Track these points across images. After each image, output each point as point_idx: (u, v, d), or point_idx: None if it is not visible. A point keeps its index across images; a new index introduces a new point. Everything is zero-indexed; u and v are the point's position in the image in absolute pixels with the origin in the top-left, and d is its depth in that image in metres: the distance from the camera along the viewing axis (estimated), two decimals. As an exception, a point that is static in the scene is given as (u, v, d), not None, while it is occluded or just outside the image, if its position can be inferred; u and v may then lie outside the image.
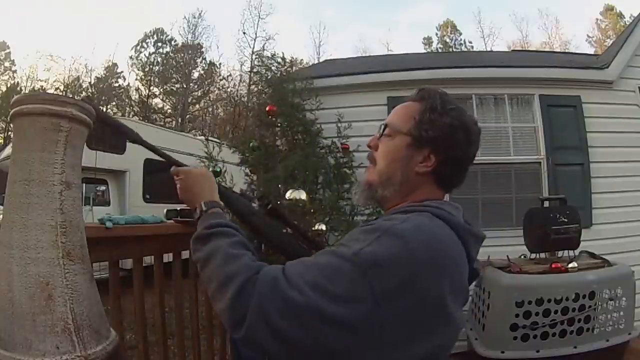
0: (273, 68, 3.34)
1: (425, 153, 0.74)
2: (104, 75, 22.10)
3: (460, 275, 0.66)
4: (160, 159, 0.96)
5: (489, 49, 20.04)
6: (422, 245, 0.59)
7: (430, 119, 0.75)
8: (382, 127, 0.80)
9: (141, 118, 19.62)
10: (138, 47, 22.50)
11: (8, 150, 6.20)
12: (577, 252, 2.76)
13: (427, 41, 24.90)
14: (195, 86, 22.65)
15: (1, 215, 0.86)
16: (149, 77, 22.32)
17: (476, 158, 0.80)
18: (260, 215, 0.89)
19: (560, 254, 2.77)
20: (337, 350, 0.57)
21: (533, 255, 2.79)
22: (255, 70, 4.12)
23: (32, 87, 20.18)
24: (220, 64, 23.14)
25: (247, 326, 0.58)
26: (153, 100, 22.53)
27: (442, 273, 0.60)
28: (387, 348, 0.58)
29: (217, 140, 5.61)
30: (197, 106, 22.80)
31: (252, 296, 0.58)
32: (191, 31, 22.60)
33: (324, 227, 2.40)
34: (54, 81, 20.32)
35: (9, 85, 19.76)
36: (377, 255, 0.57)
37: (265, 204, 1.00)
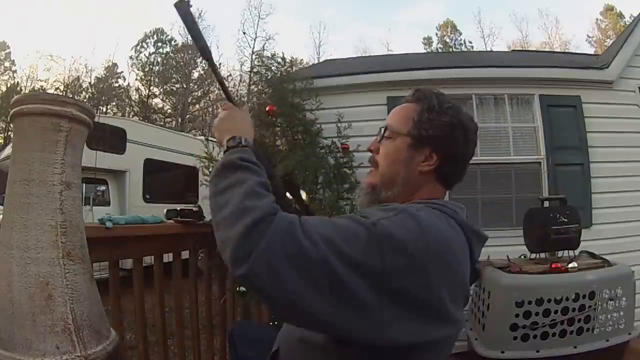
0: (273, 68, 3.33)
1: (427, 152, 0.76)
2: (104, 75, 22.09)
3: (462, 274, 0.67)
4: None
5: (489, 49, 20.05)
6: (433, 236, 0.61)
7: (429, 118, 0.76)
8: (382, 129, 0.82)
9: (141, 118, 19.61)
10: (138, 47, 22.52)
11: (8, 150, 6.19)
12: (577, 252, 2.75)
13: (427, 41, 24.92)
14: (195, 86, 22.66)
15: (1, 215, 0.86)
16: (149, 77, 22.33)
17: (476, 158, 0.82)
18: (277, 180, 0.85)
19: (560, 254, 2.76)
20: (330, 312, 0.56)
21: (533, 255, 2.79)
22: (255, 70, 4.12)
23: (32, 87, 20.18)
24: (220, 64, 23.11)
25: (251, 264, 0.54)
26: (153, 100, 22.55)
27: (444, 270, 0.61)
28: (382, 325, 0.58)
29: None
30: (197, 106, 22.81)
31: (264, 236, 0.55)
32: (191, 31, 22.58)
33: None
34: (54, 81, 20.34)
35: (9, 85, 19.75)
36: (393, 229, 0.59)
37: (283, 175, 0.98)
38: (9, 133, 15.77)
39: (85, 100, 12.52)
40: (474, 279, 0.75)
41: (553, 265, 2.49)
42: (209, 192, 0.68)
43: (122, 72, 22.77)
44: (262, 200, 0.60)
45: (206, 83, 22.67)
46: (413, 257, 0.58)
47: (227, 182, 0.64)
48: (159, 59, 22.47)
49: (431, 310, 0.61)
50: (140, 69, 22.41)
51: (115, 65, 22.41)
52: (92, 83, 21.21)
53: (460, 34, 24.41)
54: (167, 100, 22.62)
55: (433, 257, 0.60)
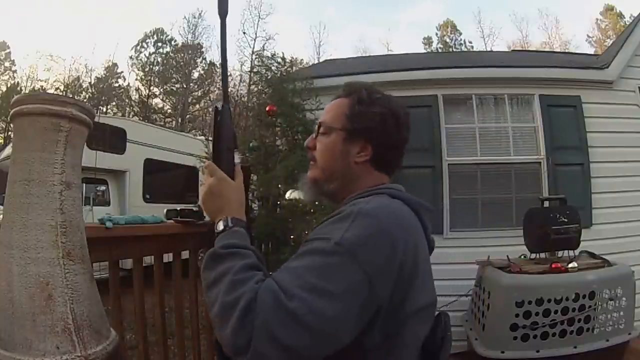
0: (273, 68, 3.34)
1: (361, 144, 0.79)
2: (104, 75, 22.10)
3: (422, 244, 0.72)
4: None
5: (489, 49, 20.05)
6: (391, 219, 0.66)
7: (360, 111, 0.79)
8: (317, 126, 0.84)
9: (141, 118, 19.62)
10: (138, 47, 22.53)
11: (8, 150, 6.19)
12: (577, 252, 2.76)
13: (427, 41, 24.93)
14: (195, 86, 22.67)
15: (1, 215, 0.86)
16: (149, 77, 22.33)
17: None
18: (232, 153, 0.81)
19: (560, 254, 2.76)
20: (345, 342, 0.60)
21: (533, 255, 2.79)
22: (255, 70, 4.12)
23: (32, 87, 20.18)
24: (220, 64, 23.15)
25: (254, 347, 0.55)
26: (153, 100, 22.56)
27: (408, 242, 0.66)
28: (385, 321, 0.62)
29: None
30: (197, 106, 22.81)
31: (257, 315, 0.56)
32: (191, 31, 22.63)
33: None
34: (54, 81, 20.34)
35: (9, 85, 19.77)
36: (359, 237, 0.61)
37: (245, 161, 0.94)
38: (9, 133, 15.78)
39: (85, 100, 12.53)
40: (430, 248, 0.78)
41: (553, 265, 2.49)
42: (203, 285, 0.68)
43: (122, 72, 22.80)
44: (246, 285, 0.60)
45: (206, 83, 22.69)
46: (385, 248, 0.62)
47: (213, 276, 0.65)
48: (159, 59, 22.48)
49: (412, 279, 0.65)
50: (140, 69, 22.43)
51: (115, 65, 22.44)
52: (92, 83, 21.22)
53: (460, 34, 24.44)
54: (167, 100, 22.64)
55: (399, 236, 0.64)
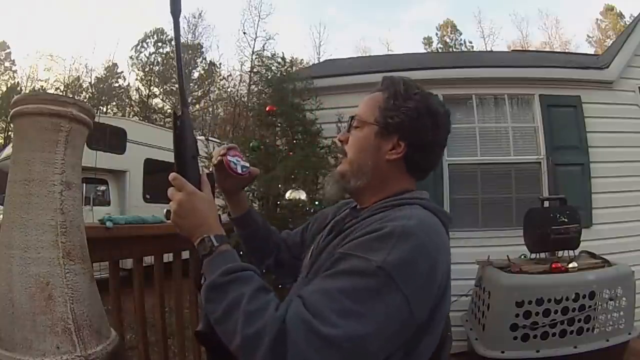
0: (273, 68, 3.34)
1: (394, 140, 0.75)
2: (104, 75, 22.08)
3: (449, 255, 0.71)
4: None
5: (489, 49, 20.02)
6: (432, 240, 0.64)
7: (395, 105, 0.75)
8: (350, 119, 0.81)
9: (141, 118, 19.61)
10: (138, 47, 22.49)
11: (8, 150, 6.19)
12: (577, 252, 2.75)
13: (427, 41, 24.88)
14: (196, 86, 22.64)
15: (1, 215, 0.86)
16: (149, 77, 22.31)
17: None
18: (196, 161, 0.75)
19: (560, 254, 2.76)
20: None
21: (533, 255, 2.79)
22: (255, 70, 4.13)
23: (32, 87, 20.15)
24: (220, 64, 23.10)
25: None
26: (153, 100, 22.52)
27: (445, 258, 0.65)
28: (414, 338, 0.62)
29: (217, 140, 5.61)
30: (197, 106, 22.78)
31: (288, 349, 0.54)
32: (191, 31, 22.58)
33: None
34: (54, 81, 20.29)
35: (9, 85, 19.75)
36: (402, 260, 0.59)
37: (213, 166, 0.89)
38: (9, 133, 15.77)
39: (85, 100, 12.52)
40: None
41: (553, 265, 2.49)
42: (210, 318, 0.63)
43: (122, 72, 22.76)
44: (265, 316, 0.57)
45: (206, 83, 22.68)
46: (425, 270, 0.61)
47: (222, 310, 0.60)
48: (159, 59, 22.44)
49: (445, 298, 0.66)
50: (140, 69, 22.40)
51: (115, 65, 22.41)
52: (92, 83, 21.20)
53: (461, 34, 24.40)
54: (167, 100, 22.62)
55: (436, 256, 0.63)
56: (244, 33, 19.64)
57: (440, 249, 0.64)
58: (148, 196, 6.38)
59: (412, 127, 0.74)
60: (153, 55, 22.54)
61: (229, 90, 21.77)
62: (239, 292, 0.60)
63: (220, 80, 22.63)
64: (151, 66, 22.40)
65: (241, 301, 0.59)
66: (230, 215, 0.99)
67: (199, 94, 22.68)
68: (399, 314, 0.57)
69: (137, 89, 22.46)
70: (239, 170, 0.86)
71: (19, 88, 19.42)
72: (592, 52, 15.54)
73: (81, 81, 20.92)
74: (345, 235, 0.70)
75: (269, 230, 1.02)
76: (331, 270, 0.62)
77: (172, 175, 0.72)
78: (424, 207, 0.70)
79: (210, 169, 0.91)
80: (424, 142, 0.75)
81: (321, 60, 16.55)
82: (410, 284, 0.58)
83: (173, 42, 0.73)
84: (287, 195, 2.42)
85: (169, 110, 21.73)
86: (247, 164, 0.88)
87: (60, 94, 14.03)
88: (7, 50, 21.01)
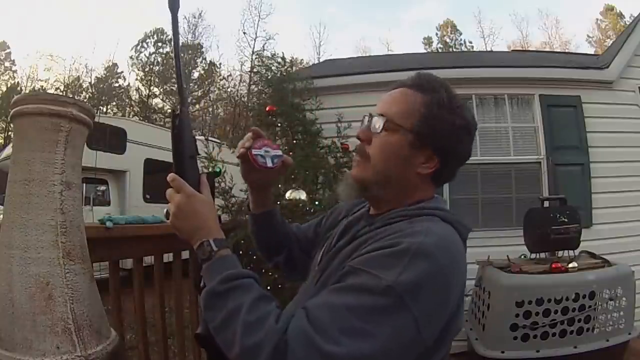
0: (273, 68, 3.34)
1: (428, 153, 0.69)
2: (104, 75, 22.08)
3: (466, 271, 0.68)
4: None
5: (489, 49, 20.03)
6: (450, 260, 0.60)
7: (438, 114, 0.68)
8: (380, 118, 0.71)
9: (141, 118, 19.60)
10: (138, 47, 22.48)
11: (8, 150, 6.19)
12: (577, 252, 2.76)
13: (427, 41, 24.88)
14: (195, 86, 22.63)
15: (1, 215, 0.86)
16: (149, 77, 22.31)
17: (476, 158, 0.81)
18: (195, 162, 0.72)
19: (560, 254, 2.76)
20: None
21: (533, 255, 2.79)
22: (255, 70, 4.13)
23: (32, 87, 20.16)
24: (220, 64, 23.10)
25: None
26: (153, 100, 22.52)
27: (461, 279, 0.63)
28: (422, 356, 0.59)
29: (217, 140, 5.61)
30: (197, 106, 22.78)
31: None
32: (191, 31, 22.58)
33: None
34: (54, 81, 20.30)
35: (9, 85, 19.75)
36: (415, 281, 0.55)
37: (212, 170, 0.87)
38: (9, 133, 15.77)
39: (85, 100, 12.52)
40: None
41: (553, 265, 2.49)
42: (209, 326, 0.62)
43: (122, 72, 22.76)
44: (265, 327, 0.55)
45: (206, 83, 22.68)
46: (440, 293, 0.58)
47: (221, 318, 0.59)
48: (159, 59, 22.44)
49: (458, 318, 0.64)
50: (140, 69, 22.40)
51: (115, 65, 22.40)
52: (92, 83, 21.20)
53: (461, 34, 24.40)
54: (167, 100, 22.61)
55: (453, 278, 0.60)
56: (244, 33, 19.68)
57: (456, 271, 0.61)
58: (148, 196, 6.38)
59: (450, 144, 0.69)
60: (153, 55, 22.54)
61: (229, 90, 21.80)
62: (239, 301, 0.58)
63: (220, 80, 22.66)
64: (151, 66, 22.40)
65: (240, 311, 0.57)
66: (250, 210, 0.93)
67: (199, 94, 22.68)
68: (407, 334, 0.55)
69: (137, 89, 22.47)
70: (269, 164, 0.75)
71: (19, 88, 19.42)
72: (592, 52, 15.55)
73: (81, 81, 20.92)
74: (359, 244, 0.66)
75: (287, 232, 0.96)
76: (339, 284, 0.59)
77: (170, 176, 0.69)
78: (442, 219, 0.66)
79: (210, 169, 0.90)
80: (458, 159, 0.72)
81: (321, 60, 16.57)
82: (421, 305, 0.55)
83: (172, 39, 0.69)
84: (287, 195, 2.42)
85: (169, 110, 21.70)
86: (279, 152, 0.77)
87: (60, 94, 14.03)
88: (7, 50, 21.02)
